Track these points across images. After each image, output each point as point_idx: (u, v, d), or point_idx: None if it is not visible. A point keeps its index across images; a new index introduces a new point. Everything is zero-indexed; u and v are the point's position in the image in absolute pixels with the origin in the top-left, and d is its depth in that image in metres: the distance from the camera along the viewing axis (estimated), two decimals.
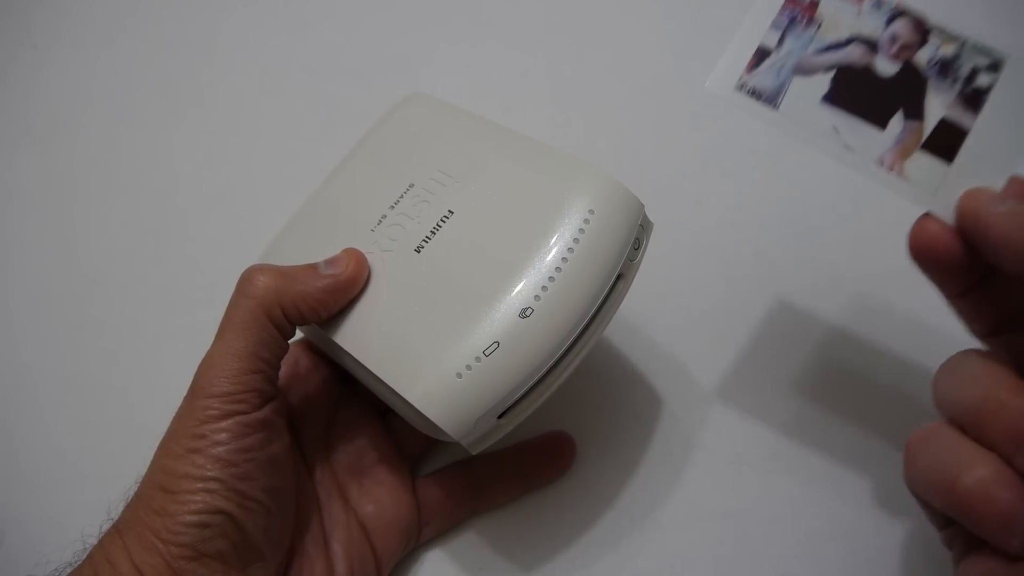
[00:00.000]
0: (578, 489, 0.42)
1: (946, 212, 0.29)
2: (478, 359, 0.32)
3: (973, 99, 0.31)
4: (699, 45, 0.54)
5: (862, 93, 0.31)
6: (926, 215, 0.30)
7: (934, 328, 0.39)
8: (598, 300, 0.33)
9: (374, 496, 0.39)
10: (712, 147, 0.51)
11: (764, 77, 0.32)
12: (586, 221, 0.34)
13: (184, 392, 0.34)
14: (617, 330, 0.46)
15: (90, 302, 0.50)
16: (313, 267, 0.35)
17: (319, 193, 0.41)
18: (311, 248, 0.37)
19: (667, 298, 0.46)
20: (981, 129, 0.30)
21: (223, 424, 0.32)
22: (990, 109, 0.30)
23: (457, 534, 0.42)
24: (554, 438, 0.43)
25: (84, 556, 0.33)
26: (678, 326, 0.46)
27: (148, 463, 0.33)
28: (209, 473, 0.32)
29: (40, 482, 0.45)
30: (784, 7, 0.32)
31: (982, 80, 0.31)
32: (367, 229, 0.37)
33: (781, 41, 0.32)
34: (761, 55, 0.32)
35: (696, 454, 0.42)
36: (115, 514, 0.33)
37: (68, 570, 0.33)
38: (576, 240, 0.33)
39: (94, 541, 0.33)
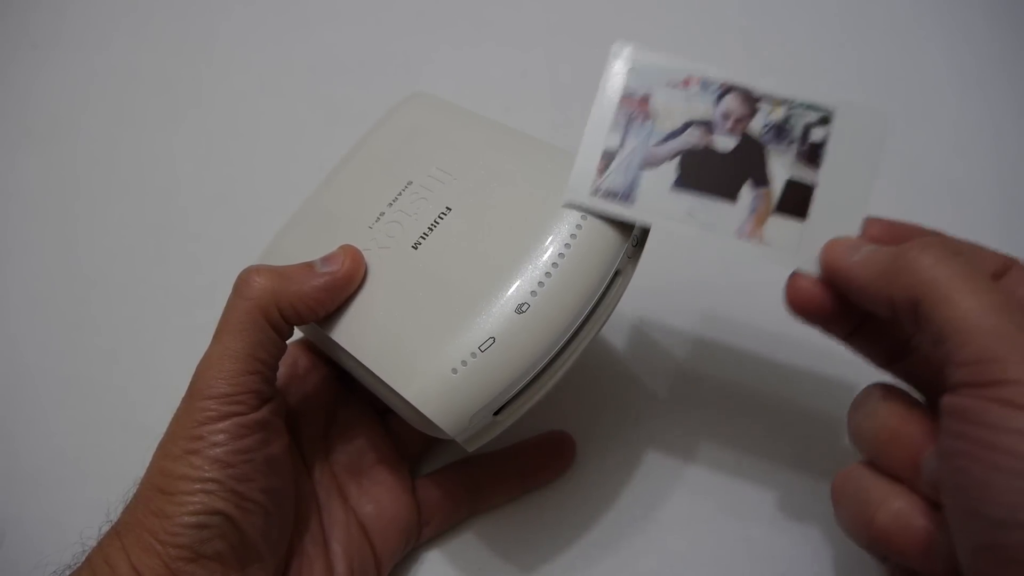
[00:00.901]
0: (578, 489, 0.42)
1: (812, 265, 0.31)
2: (474, 355, 0.32)
3: (812, 154, 0.32)
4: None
5: (708, 172, 0.33)
6: (794, 275, 0.31)
7: None
8: (595, 296, 0.33)
9: (373, 496, 0.39)
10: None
11: (615, 178, 0.33)
12: (584, 217, 0.33)
13: (184, 392, 0.34)
14: (617, 330, 0.45)
15: (90, 302, 0.50)
16: (309, 265, 0.35)
17: (318, 192, 0.41)
18: (310, 247, 0.37)
19: (667, 298, 0.46)
20: (826, 181, 0.32)
21: (221, 425, 0.32)
22: (830, 160, 0.32)
23: (457, 534, 0.42)
24: (554, 438, 0.42)
25: (83, 558, 0.33)
26: (678, 326, 0.45)
27: (148, 464, 0.33)
28: (207, 474, 0.32)
29: (40, 482, 0.45)
30: (620, 108, 0.33)
31: (816, 135, 0.32)
32: (365, 226, 0.37)
33: (623, 141, 0.33)
34: (608, 158, 0.33)
35: (696, 454, 0.42)
36: (114, 516, 0.33)
37: (67, 572, 0.33)
38: (573, 236, 0.33)
39: (93, 543, 0.33)
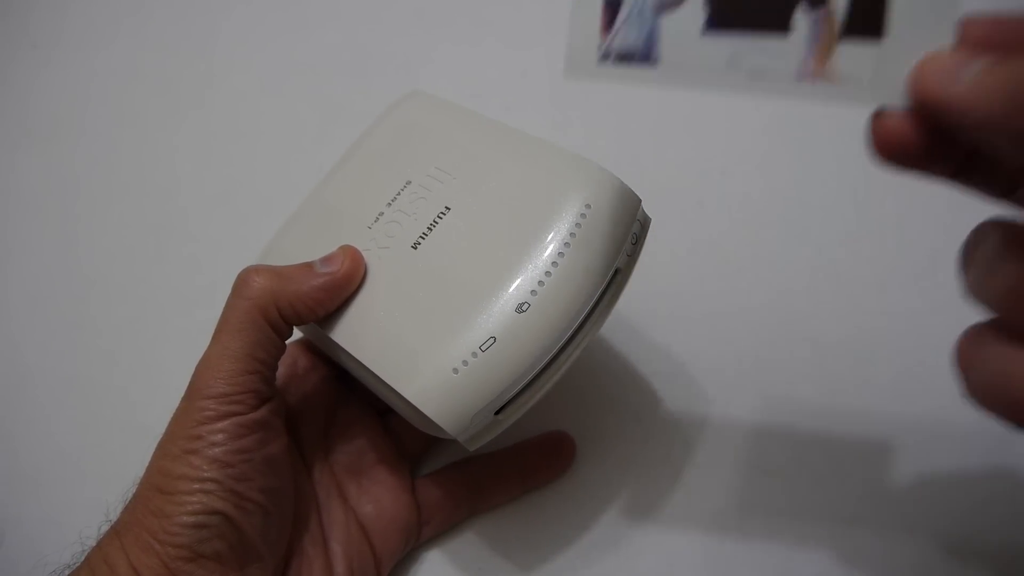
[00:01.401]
0: (578, 489, 0.42)
1: (897, 96, 0.24)
2: (475, 355, 0.32)
3: None
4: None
5: (747, 2, 0.25)
6: (877, 115, 0.24)
7: (934, 319, 0.39)
8: (595, 295, 0.33)
9: (373, 496, 0.39)
10: (719, 143, 0.50)
11: (627, 33, 0.26)
12: (582, 216, 0.33)
13: (183, 392, 0.34)
14: (617, 330, 0.45)
15: (90, 302, 0.50)
16: (308, 266, 0.35)
17: (317, 192, 0.41)
18: (309, 246, 0.37)
19: (667, 298, 0.46)
20: None
21: (219, 425, 0.32)
22: None
23: (457, 534, 0.42)
24: (554, 438, 0.42)
25: (82, 558, 0.33)
26: (678, 326, 0.45)
27: (147, 463, 0.33)
28: (205, 474, 0.32)
29: (40, 482, 0.45)
30: None
31: None
32: (364, 226, 0.37)
33: None
34: (612, 8, 0.26)
35: (696, 454, 0.42)
36: (113, 516, 0.33)
37: (67, 572, 0.33)
38: (572, 235, 0.33)
39: (92, 543, 0.33)
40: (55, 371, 0.48)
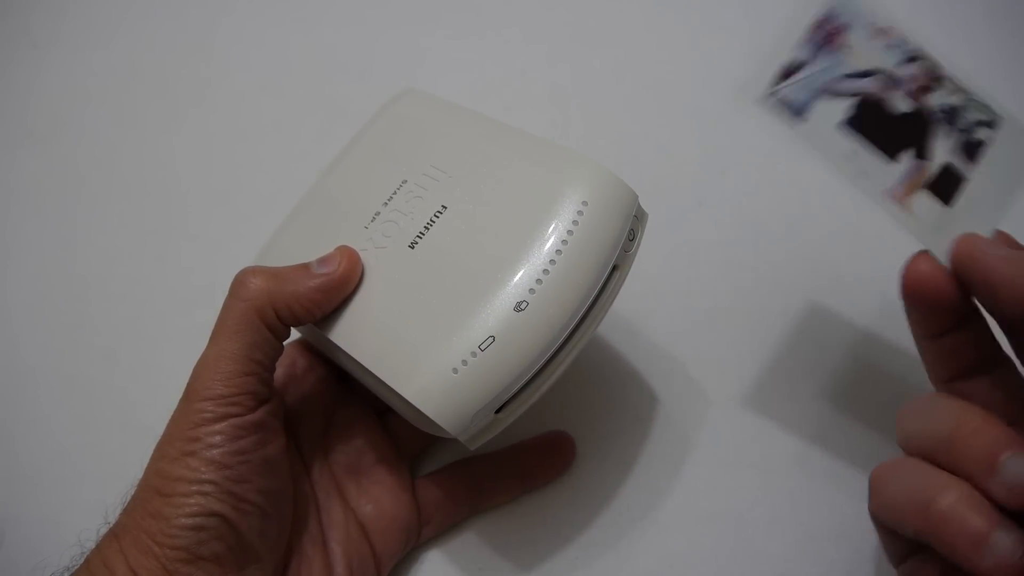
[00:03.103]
0: (578, 489, 0.42)
1: (940, 253, 0.30)
2: (474, 354, 0.32)
3: (973, 150, 0.32)
4: (710, 45, 0.55)
5: (879, 124, 0.32)
6: (923, 252, 0.30)
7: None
8: (593, 292, 0.33)
9: (373, 496, 0.39)
10: (718, 149, 0.50)
11: (794, 91, 0.32)
12: (580, 213, 0.33)
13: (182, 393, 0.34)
14: (617, 330, 0.45)
15: (90, 302, 0.50)
16: (305, 267, 0.35)
17: (313, 192, 0.41)
18: (305, 247, 0.37)
19: (667, 298, 0.46)
20: (977, 180, 0.32)
21: (217, 427, 0.32)
22: (986, 163, 0.32)
23: (457, 534, 0.42)
24: (554, 438, 0.42)
25: (81, 560, 0.33)
26: (678, 326, 0.45)
27: (146, 465, 0.33)
28: (203, 476, 0.32)
29: (40, 482, 0.45)
30: (815, 27, 0.32)
31: (981, 133, 0.32)
32: (361, 226, 0.37)
33: (814, 57, 0.32)
34: (789, 69, 0.32)
35: (695, 454, 0.42)
36: (112, 518, 0.33)
37: (66, 574, 0.33)
38: (570, 232, 0.33)
39: (91, 545, 0.33)
40: (55, 371, 0.48)
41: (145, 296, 0.50)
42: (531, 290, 0.32)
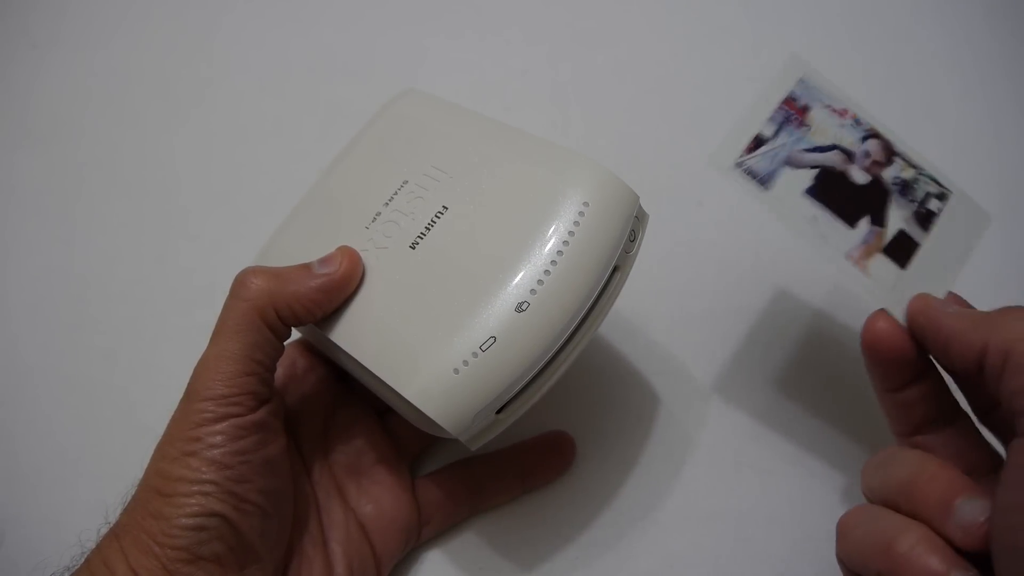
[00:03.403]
0: (578, 489, 0.42)
1: (896, 311, 0.33)
2: (475, 354, 0.32)
3: (925, 219, 0.36)
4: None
5: (838, 194, 0.35)
6: (881, 311, 0.33)
7: None
8: (594, 293, 0.33)
9: (373, 496, 0.39)
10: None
11: (760, 161, 0.35)
12: (581, 214, 0.33)
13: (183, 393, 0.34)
14: (617, 330, 0.45)
15: (90, 302, 0.50)
16: (306, 267, 0.35)
17: (314, 192, 0.41)
18: (306, 247, 0.37)
19: (667, 298, 0.46)
20: (930, 245, 0.35)
21: (218, 427, 0.32)
22: (938, 230, 0.36)
23: (457, 534, 0.42)
24: (554, 438, 0.42)
25: (81, 560, 0.33)
26: (678, 326, 0.45)
27: (146, 465, 0.33)
28: (204, 476, 0.32)
29: (40, 482, 0.45)
30: (780, 106, 0.36)
31: (932, 205, 0.36)
32: (362, 227, 0.37)
33: (777, 134, 0.35)
34: (758, 142, 0.35)
35: (696, 454, 0.42)
36: (112, 518, 0.33)
37: (66, 574, 0.33)
38: (571, 233, 0.33)
39: (91, 545, 0.33)
40: (55, 371, 0.48)
41: (145, 296, 0.50)
42: (532, 291, 0.32)
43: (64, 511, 0.43)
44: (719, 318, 0.45)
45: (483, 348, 0.32)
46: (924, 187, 0.36)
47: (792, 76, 0.37)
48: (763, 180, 0.35)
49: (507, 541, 0.41)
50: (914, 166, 0.36)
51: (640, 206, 0.35)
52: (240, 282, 0.34)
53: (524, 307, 0.32)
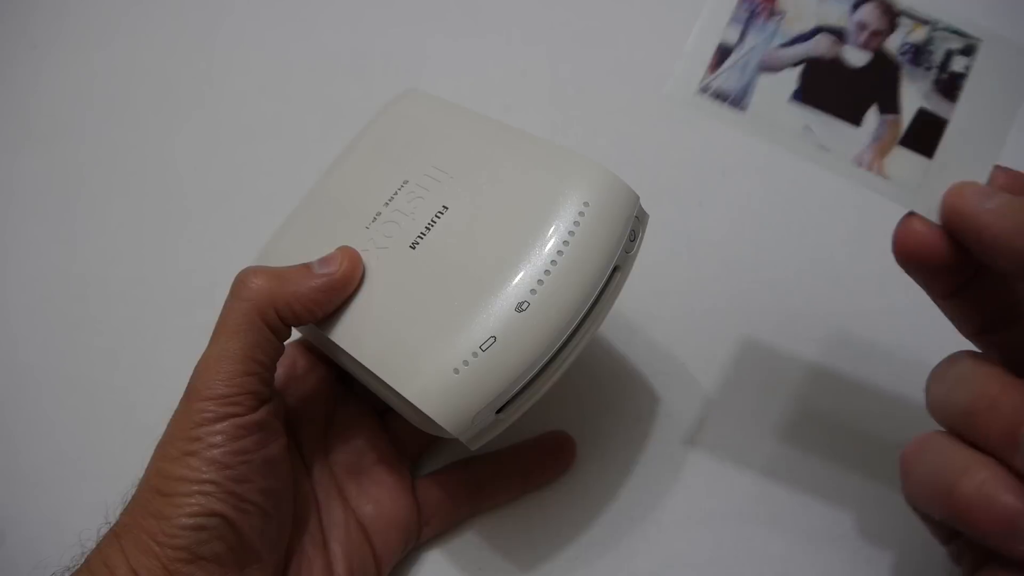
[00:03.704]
0: (578, 489, 0.42)
1: (930, 210, 0.28)
2: (475, 354, 0.32)
3: (950, 86, 0.29)
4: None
5: (833, 88, 0.29)
6: (909, 215, 0.28)
7: (931, 326, 0.39)
8: (595, 293, 0.33)
9: (373, 496, 0.39)
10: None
11: (728, 77, 0.30)
12: (581, 214, 0.33)
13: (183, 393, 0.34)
14: (617, 330, 0.45)
15: (90, 302, 0.50)
16: (307, 267, 0.35)
17: (314, 193, 0.41)
18: (306, 247, 0.37)
19: (667, 298, 0.46)
20: (960, 118, 0.29)
21: (218, 427, 0.32)
22: (968, 96, 0.29)
23: (457, 534, 0.42)
24: (554, 438, 0.42)
25: (82, 560, 0.33)
26: (678, 326, 0.45)
27: (146, 465, 0.33)
28: (204, 476, 0.32)
29: (40, 482, 0.45)
30: (741, 2, 0.30)
31: (957, 65, 0.29)
32: (362, 227, 0.37)
33: (743, 37, 0.30)
34: (723, 53, 0.30)
35: (696, 454, 0.42)
36: (112, 518, 0.33)
37: (67, 574, 0.33)
38: (571, 233, 0.33)
39: (92, 545, 0.33)
40: (55, 371, 0.48)
41: (145, 296, 0.50)
42: (532, 291, 0.32)
43: (64, 511, 0.43)
44: (719, 318, 0.45)
45: (483, 348, 0.32)
46: (943, 45, 0.29)
47: None
48: (736, 99, 0.30)
49: (507, 541, 0.41)
50: (926, 21, 0.29)
51: (640, 206, 0.35)
52: (240, 282, 0.35)
53: (524, 307, 0.32)
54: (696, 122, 0.51)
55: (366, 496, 0.39)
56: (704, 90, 0.30)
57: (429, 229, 0.36)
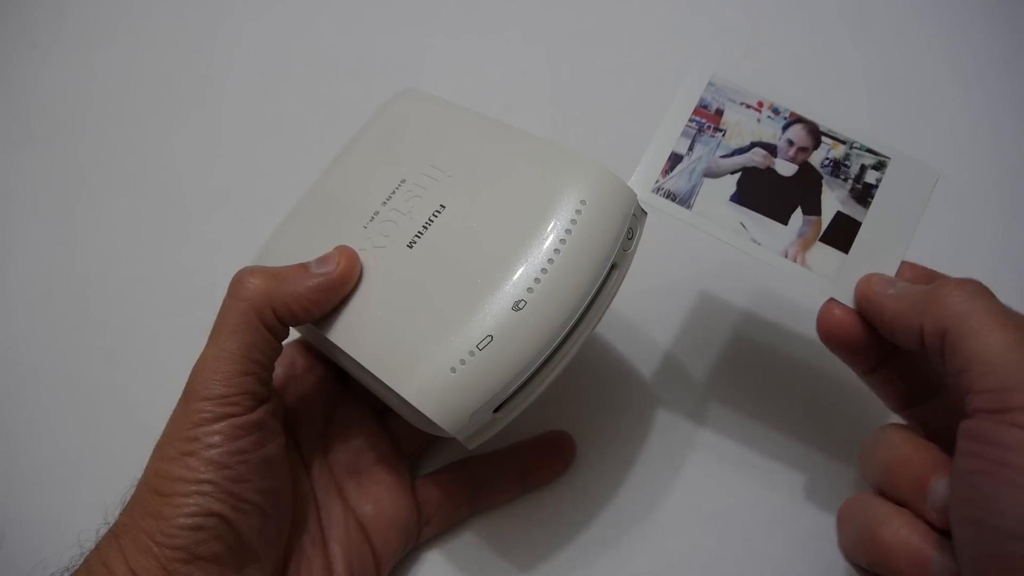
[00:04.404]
0: (578, 489, 0.42)
1: (846, 296, 0.33)
2: (472, 353, 0.32)
3: (863, 194, 0.34)
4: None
5: (765, 192, 0.34)
6: (829, 301, 0.33)
7: None
8: (592, 291, 0.33)
9: (372, 496, 0.39)
10: None
11: (678, 181, 0.35)
12: (578, 212, 0.33)
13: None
14: (617, 330, 0.45)
15: (90, 302, 0.50)
16: (304, 267, 0.35)
17: (312, 193, 0.41)
18: (304, 247, 0.37)
19: (667, 298, 0.46)
20: (872, 220, 0.34)
21: (216, 427, 0.32)
22: (879, 202, 0.34)
23: (457, 534, 0.42)
24: (554, 438, 0.42)
25: (81, 561, 0.33)
26: (678, 326, 0.45)
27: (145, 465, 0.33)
28: (202, 476, 0.32)
29: (40, 482, 0.45)
30: (692, 117, 0.36)
31: (870, 177, 0.35)
32: (360, 226, 0.37)
33: (691, 148, 0.35)
34: (674, 160, 0.35)
35: (696, 454, 0.42)
36: (111, 518, 0.33)
37: (66, 575, 0.33)
38: (568, 231, 0.33)
39: (91, 545, 0.33)
40: (55, 371, 0.48)
41: (145, 296, 0.50)
42: (529, 289, 0.32)
43: (64, 511, 0.43)
44: (719, 318, 0.45)
45: (480, 347, 0.32)
46: (858, 160, 0.35)
47: (699, 82, 0.36)
48: (684, 199, 0.35)
49: (507, 541, 0.41)
50: (844, 141, 0.35)
51: (638, 203, 0.35)
52: (237, 282, 0.34)
53: (521, 305, 0.32)
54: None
55: (365, 496, 0.39)
56: (658, 190, 0.35)
57: (426, 228, 0.36)
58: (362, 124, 0.42)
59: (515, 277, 0.33)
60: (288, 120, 0.55)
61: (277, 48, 0.58)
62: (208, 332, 0.34)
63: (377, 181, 0.38)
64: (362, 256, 0.36)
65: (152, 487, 0.32)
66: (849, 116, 0.35)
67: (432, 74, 0.56)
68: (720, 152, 0.35)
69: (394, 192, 0.37)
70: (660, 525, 0.41)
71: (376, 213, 0.37)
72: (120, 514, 0.33)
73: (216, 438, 0.32)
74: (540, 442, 0.42)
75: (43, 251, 0.52)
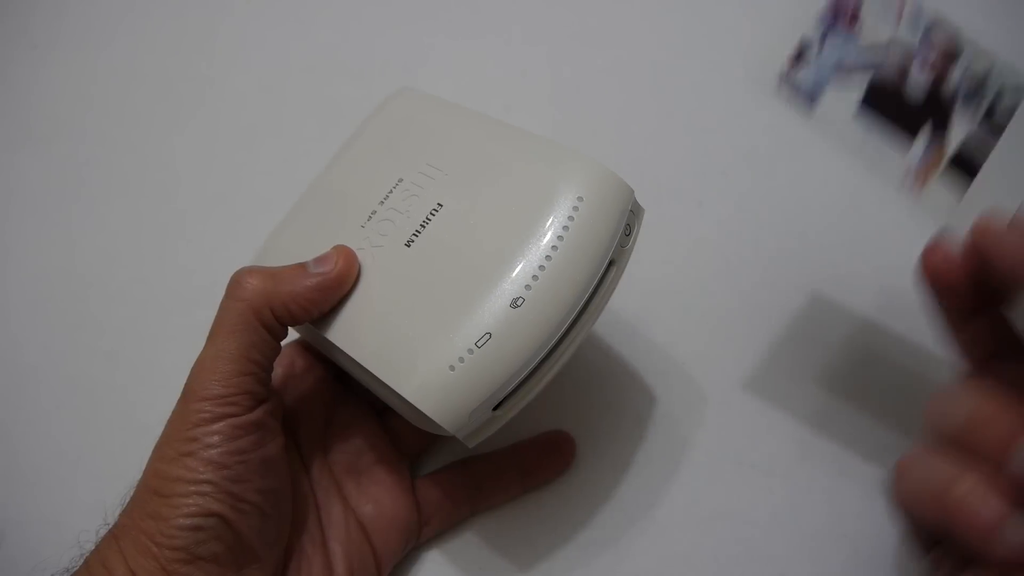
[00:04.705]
0: (578, 489, 0.42)
1: (960, 233, 0.29)
2: (470, 351, 0.32)
3: (998, 119, 0.31)
4: (713, 42, 0.54)
5: (895, 101, 0.31)
6: (938, 237, 0.30)
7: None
8: (590, 287, 0.33)
9: (372, 496, 0.39)
10: (720, 148, 0.50)
11: (806, 73, 0.31)
12: (575, 208, 0.33)
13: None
14: (616, 330, 0.45)
15: (90, 302, 0.50)
16: (302, 266, 0.35)
17: (309, 191, 0.41)
18: (302, 247, 0.37)
19: (667, 298, 0.46)
20: (1001, 153, 0.31)
21: (215, 427, 0.32)
22: (1012, 131, 0.31)
23: (457, 534, 0.42)
24: (554, 437, 0.42)
25: (80, 561, 0.33)
26: (678, 326, 0.45)
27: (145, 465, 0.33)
28: (201, 476, 0.32)
29: (40, 482, 0.45)
30: (829, 6, 0.32)
31: (1007, 101, 0.31)
32: (357, 225, 0.37)
33: (824, 38, 0.32)
34: (804, 47, 0.32)
35: (696, 454, 0.42)
36: (111, 519, 0.33)
37: (65, 575, 0.33)
38: (566, 228, 0.33)
39: (91, 546, 0.33)
40: (55, 371, 0.48)
41: (145, 296, 0.50)
42: (527, 286, 0.32)
43: (64, 511, 0.43)
44: (719, 318, 0.45)
45: (478, 344, 0.32)
46: (998, 80, 0.31)
47: None
48: (810, 97, 0.31)
49: (507, 541, 0.41)
50: (987, 55, 0.31)
51: (636, 200, 0.35)
52: (235, 282, 0.34)
53: (519, 303, 0.32)
54: (696, 123, 0.51)
55: (365, 496, 0.39)
56: (783, 81, 0.31)
57: (424, 227, 0.36)
58: (360, 124, 0.42)
59: (513, 274, 0.33)
60: (288, 120, 0.55)
61: (277, 48, 0.58)
62: (207, 332, 0.34)
63: (374, 180, 0.38)
64: (360, 255, 0.36)
65: (151, 488, 0.32)
66: (997, 28, 0.32)
67: (432, 74, 0.56)
68: (853, 49, 0.32)
69: (391, 191, 0.37)
70: (660, 525, 0.41)
71: (374, 212, 0.37)
72: (120, 515, 0.33)
73: (215, 438, 0.32)
74: (540, 442, 0.42)
75: (43, 251, 0.52)
